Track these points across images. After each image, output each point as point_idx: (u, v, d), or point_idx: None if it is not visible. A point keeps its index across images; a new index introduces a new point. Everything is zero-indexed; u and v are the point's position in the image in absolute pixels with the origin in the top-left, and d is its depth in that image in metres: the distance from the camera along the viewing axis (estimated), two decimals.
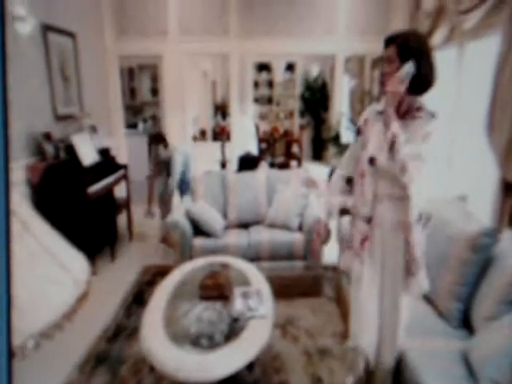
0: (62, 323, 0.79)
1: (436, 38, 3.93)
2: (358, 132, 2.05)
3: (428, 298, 2.42)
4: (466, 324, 2.18)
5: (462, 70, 3.69)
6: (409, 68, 1.72)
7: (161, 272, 3.86)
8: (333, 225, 3.27)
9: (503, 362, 1.65)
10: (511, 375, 1.60)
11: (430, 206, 2.87)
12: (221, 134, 5.91)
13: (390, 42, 1.81)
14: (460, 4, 3.21)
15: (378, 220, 1.92)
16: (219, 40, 5.55)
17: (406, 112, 1.86)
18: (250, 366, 2.29)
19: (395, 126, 1.73)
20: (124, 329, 3.07)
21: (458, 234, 2.27)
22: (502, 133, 2.58)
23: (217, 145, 6.26)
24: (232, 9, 5.45)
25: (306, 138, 9.35)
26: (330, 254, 3.53)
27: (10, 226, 0.64)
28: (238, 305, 2.23)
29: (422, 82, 1.80)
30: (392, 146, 1.73)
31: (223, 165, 5.23)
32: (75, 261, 0.90)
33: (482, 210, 2.87)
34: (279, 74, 9.76)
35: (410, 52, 1.75)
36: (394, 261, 1.92)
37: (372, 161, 1.88)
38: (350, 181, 2.12)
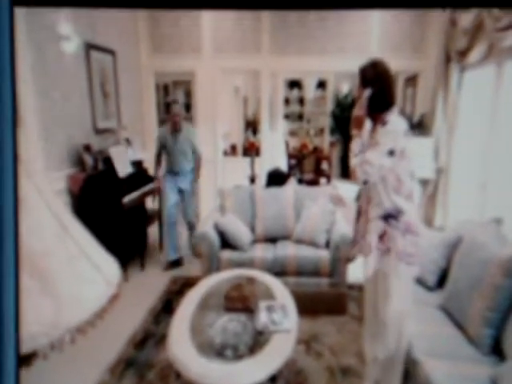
0: (95, 321, 0.87)
1: (473, 56, 3.86)
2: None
3: (458, 324, 2.36)
4: (497, 351, 2.11)
5: (501, 89, 3.58)
6: (367, 94, 2.11)
7: (188, 283, 3.95)
8: None
9: None
10: None
11: (464, 227, 2.84)
12: (250, 150, 6.02)
13: (359, 71, 2.21)
14: (499, 21, 3.17)
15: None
16: (251, 57, 5.67)
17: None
18: (273, 379, 2.31)
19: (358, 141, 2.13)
20: (152, 335, 3.16)
21: (492, 257, 2.21)
22: None
23: (247, 160, 6.37)
24: (265, 27, 5.58)
25: (336, 155, 9.34)
26: (356, 272, 3.52)
27: (18, 241, 0.73)
28: (262, 318, 2.27)
29: (383, 101, 2.14)
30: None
31: (252, 180, 5.32)
32: (108, 264, 0.98)
33: None
34: (310, 91, 9.83)
35: (367, 80, 2.15)
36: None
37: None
38: None
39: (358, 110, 2.13)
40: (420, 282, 2.91)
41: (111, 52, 4.69)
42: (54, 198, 0.91)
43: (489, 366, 1.99)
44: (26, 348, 0.78)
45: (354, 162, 2.10)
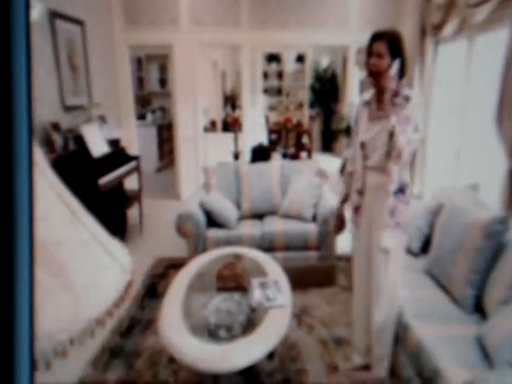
0: (113, 310, 0.78)
1: (446, 31, 3.92)
2: (356, 122, 2.34)
3: (443, 286, 2.46)
4: (479, 309, 2.21)
5: (472, 63, 3.71)
6: (397, 65, 2.01)
7: (173, 264, 3.86)
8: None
9: None
10: None
11: (444, 195, 2.91)
12: (233, 125, 5.86)
13: (378, 37, 2.03)
14: None
15: (366, 188, 2.23)
16: (231, 31, 5.50)
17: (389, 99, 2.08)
18: (270, 355, 2.27)
19: (393, 119, 1.96)
20: (138, 322, 3.05)
21: (472, 221, 2.31)
22: (510, 123, 2.60)
23: (227, 136, 6.22)
24: (244, 0, 5.38)
25: (316, 129, 9.27)
26: (344, 243, 3.50)
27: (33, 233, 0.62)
28: (256, 295, 2.21)
29: (401, 73, 2.08)
30: (391, 136, 1.98)
31: (236, 156, 5.19)
32: (119, 250, 0.88)
33: (492, 199, 2.91)
34: (289, 65, 9.67)
35: (397, 49, 2.03)
36: (378, 221, 2.18)
37: (362, 145, 2.19)
38: None
39: (392, 83, 2.01)
40: (406, 248, 2.94)
41: (79, 22, 4.38)
42: (56, 179, 0.79)
43: (473, 325, 2.10)
44: (44, 347, 0.68)
45: (401, 141, 1.95)
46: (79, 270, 0.76)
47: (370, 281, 2.32)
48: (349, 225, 2.48)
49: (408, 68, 2.12)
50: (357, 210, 2.31)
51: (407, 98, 2.01)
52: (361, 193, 2.26)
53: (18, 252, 0.53)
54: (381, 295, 2.24)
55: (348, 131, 5.78)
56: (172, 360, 2.12)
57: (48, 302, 0.69)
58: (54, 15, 3.84)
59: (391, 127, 1.96)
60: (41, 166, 0.76)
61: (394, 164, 2.03)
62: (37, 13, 3.56)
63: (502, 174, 2.84)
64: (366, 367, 2.48)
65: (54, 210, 0.76)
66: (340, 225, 2.59)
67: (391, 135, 1.98)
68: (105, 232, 0.88)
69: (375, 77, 2.08)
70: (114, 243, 0.87)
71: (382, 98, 2.11)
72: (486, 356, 1.82)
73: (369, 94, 2.24)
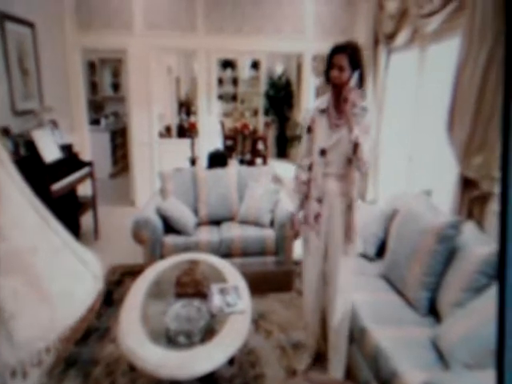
0: (88, 317, 0.78)
1: (399, 40, 4.08)
2: (308, 130, 2.39)
3: (398, 290, 2.52)
4: (434, 312, 2.28)
5: (424, 71, 3.84)
6: (356, 76, 2.09)
7: (129, 272, 3.79)
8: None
9: (470, 345, 1.74)
10: (478, 357, 1.70)
11: (398, 200, 3.04)
12: (190, 131, 5.84)
13: (340, 50, 2.13)
14: (422, 8, 3.35)
15: (327, 195, 2.28)
16: (186, 35, 5.48)
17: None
18: (231, 361, 2.30)
19: (356, 130, 2.04)
20: (95, 330, 2.97)
21: (426, 226, 2.38)
22: (461, 130, 2.71)
23: (182, 142, 6.18)
24: (198, 5, 5.40)
25: (271, 135, 9.41)
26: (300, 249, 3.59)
27: None
28: (216, 301, 2.23)
29: (360, 84, 2.17)
30: (355, 146, 2.04)
31: (193, 161, 5.18)
32: (90, 257, 0.88)
33: (444, 204, 3.03)
34: (244, 72, 9.76)
35: (357, 62, 2.12)
36: (337, 232, 2.28)
37: (323, 152, 2.24)
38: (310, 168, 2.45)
39: (353, 95, 2.05)
40: (361, 253, 3.06)
41: (30, 24, 4.23)
42: (26, 186, 0.78)
43: (428, 327, 2.16)
44: (21, 355, 0.68)
45: (365, 151, 2.05)
46: (53, 278, 0.75)
47: (323, 284, 2.43)
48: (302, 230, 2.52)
49: (365, 79, 2.24)
50: (316, 217, 2.33)
51: (364, 109, 2.14)
52: (320, 200, 2.30)
53: None
54: (337, 297, 2.32)
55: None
56: (131, 368, 2.09)
57: (23, 311, 0.69)
58: (2, 17, 3.69)
59: (355, 138, 2.03)
60: (8, 169, 0.76)
61: (360, 172, 2.16)
62: None
63: (452, 180, 2.92)
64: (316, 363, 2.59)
65: (26, 217, 0.76)
66: (298, 232, 2.65)
67: (355, 145, 2.04)
68: (73, 239, 0.88)
69: (337, 88, 2.18)
70: (84, 250, 0.88)
71: (340, 107, 2.17)
72: (442, 357, 1.88)
73: (323, 101, 2.31)
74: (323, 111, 2.28)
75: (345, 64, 2.10)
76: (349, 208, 2.25)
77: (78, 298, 0.79)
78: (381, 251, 3.01)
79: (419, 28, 3.54)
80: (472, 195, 2.70)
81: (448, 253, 2.25)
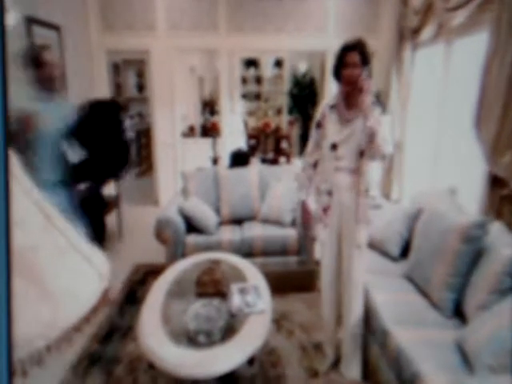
0: (90, 317, 0.79)
1: (424, 35, 3.98)
2: (318, 125, 2.43)
3: (422, 291, 2.46)
4: (459, 314, 2.23)
5: (449, 67, 3.74)
6: (366, 73, 2.14)
7: (152, 270, 3.84)
8: None
9: (496, 348, 1.70)
10: (504, 360, 1.66)
11: (423, 199, 2.97)
12: (212, 130, 5.87)
13: (351, 48, 2.15)
14: (448, 1, 3.25)
15: (337, 189, 2.32)
16: (208, 35, 5.51)
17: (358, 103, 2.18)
18: (251, 361, 2.30)
19: (372, 120, 2.07)
20: (118, 328, 3.02)
21: (451, 226, 2.32)
22: (489, 127, 2.63)
23: (206, 141, 6.23)
24: (220, 4, 5.41)
25: (295, 134, 9.36)
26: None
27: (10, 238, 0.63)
28: (235, 301, 2.23)
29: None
30: (372, 137, 2.08)
31: (215, 161, 5.21)
32: (97, 255, 0.89)
33: (470, 203, 2.94)
34: (267, 70, 9.73)
35: (367, 58, 2.17)
36: (349, 225, 2.33)
37: (334, 146, 2.28)
38: (314, 165, 2.53)
39: (364, 82, 2.08)
40: (384, 253, 3.01)
41: (56, 27, 4.34)
42: (30, 184, 0.79)
43: (453, 329, 2.10)
44: (20, 354, 0.69)
45: (382, 138, 2.09)
46: (56, 277, 0.76)
47: (339, 277, 2.48)
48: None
49: (372, 74, 2.24)
50: (325, 210, 2.38)
51: (374, 103, 2.15)
52: (330, 193, 2.35)
53: None
54: (354, 288, 2.38)
55: None
56: (151, 366, 2.11)
57: (25, 309, 0.69)
58: (30, 21, 3.80)
59: (372, 125, 2.06)
60: (14, 171, 0.77)
61: (375, 159, 2.18)
62: (13, 20, 3.51)
63: (479, 177, 2.86)
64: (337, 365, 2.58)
65: (30, 216, 0.77)
66: (310, 219, 2.59)
67: (372, 134, 2.06)
68: (82, 238, 0.89)
69: (349, 85, 2.20)
70: (91, 249, 0.88)
71: (351, 103, 2.25)
72: (466, 360, 1.83)
73: (333, 98, 2.38)
74: (333, 107, 2.34)
75: (358, 61, 2.14)
76: (357, 195, 2.29)
77: (81, 297, 0.80)
78: (404, 251, 2.95)
79: (445, 22, 3.46)
80: (501, 194, 2.61)
81: (474, 253, 2.19)
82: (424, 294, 2.45)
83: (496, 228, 2.29)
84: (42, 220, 0.77)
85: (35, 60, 2.55)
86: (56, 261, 0.78)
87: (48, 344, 0.72)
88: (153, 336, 1.97)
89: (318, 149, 2.46)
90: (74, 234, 0.85)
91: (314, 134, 2.48)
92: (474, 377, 1.72)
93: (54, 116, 2.56)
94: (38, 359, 0.72)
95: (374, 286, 2.56)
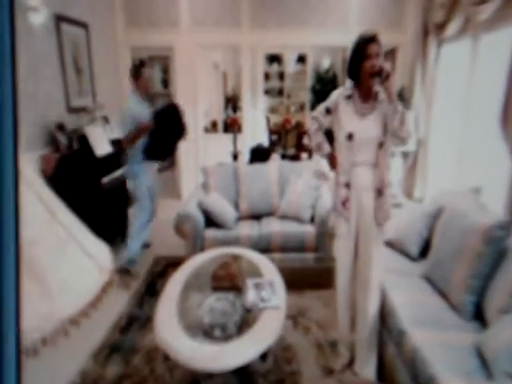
0: (89, 311, 0.81)
1: (450, 30, 3.87)
2: (328, 111, 2.40)
3: (441, 292, 2.41)
4: (479, 317, 2.17)
5: (476, 63, 3.63)
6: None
7: (172, 263, 3.90)
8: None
9: None
10: None
11: (444, 198, 2.90)
12: (233, 126, 5.90)
13: (373, 40, 2.15)
14: None
15: (354, 183, 2.29)
16: (231, 31, 5.53)
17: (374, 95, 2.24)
18: (264, 356, 2.32)
19: (400, 106, 2.09)
20: (137, 319, 3.10)
21: (472, 226, 2.25)
22: None
23: (228, 136, 6.26)
24: (244, 0, 5.42)
25: None
26: None
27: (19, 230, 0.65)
28: (250, 295, 2.25)
29: None
30: (402, 120, 2.09)
31: (235, 156, 5.23)
32: (100, 249, 0.91)
33: (496, 203, 2.86)
34: (290, 66, 9.67)
35: (382, 51, 2.19)
36: (368, 219, 2.30)
37: (350, 136, 2.24)
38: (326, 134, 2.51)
39: (388, 67, 2.09)
40: (403, 252, 2.96)
41: (84, 25, 4.45)
42: (38, 180, 0.82)
43: (472, 333, 2.04)
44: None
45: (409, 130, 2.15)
46: (54, 270, 0.78)
47: (354, 276, 2.46)
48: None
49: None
50: (344, 203, 2.34)
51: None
52: (348, 185, 2.32)
53: (5, 252, 0.56)
54: (370, 289, 2.36)
55: None
56: (168, 357, 2.16)
57: (24, 303, 0.71)
58: (59, 19, 3.91)
59: (398, 108, 2.08)
60: (20, 166, 0.79)
61: (400, 141, 2.16)
62: (43, 17, 3.61)
63: (505, 177, 2.79)
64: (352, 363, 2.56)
65: (31, 209, 0.79)
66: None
67: (401, 120, 2.08)
68: (86, 232, 0.91)
69: (373, 77, 2.15)
70: (94, 243, 0.90)
71: (368, 96, 2.25)
72: (484, 365, 1.78)
73: (347, 88, 2.33)
74: (349, 97, 2.30)
75: (380, 52, 2.15)
76: (379, 193, 2.26)
77: (78, 291, 0.82)
78: (424, 251, 2.89)
79: (471, 16, 3.37)
80: None
81: (497, 255, 2.12)
82: (443, 295, 2.38)
83: None
84: (45, 214, 0.79)
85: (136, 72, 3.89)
86: (55, 254, 0.80)
87: (43, 336, 0.73)
88: (168, 328, 2.01)
89: (321, 130, 2.49)
90: (78, 228, 0.87)
91: (319, 117, 2.45)
92: (492, 382, 1.68)
93: (146, 116, 3.65)
94: (33, 351, 0.74)
95: (392, 285, 2.52)
